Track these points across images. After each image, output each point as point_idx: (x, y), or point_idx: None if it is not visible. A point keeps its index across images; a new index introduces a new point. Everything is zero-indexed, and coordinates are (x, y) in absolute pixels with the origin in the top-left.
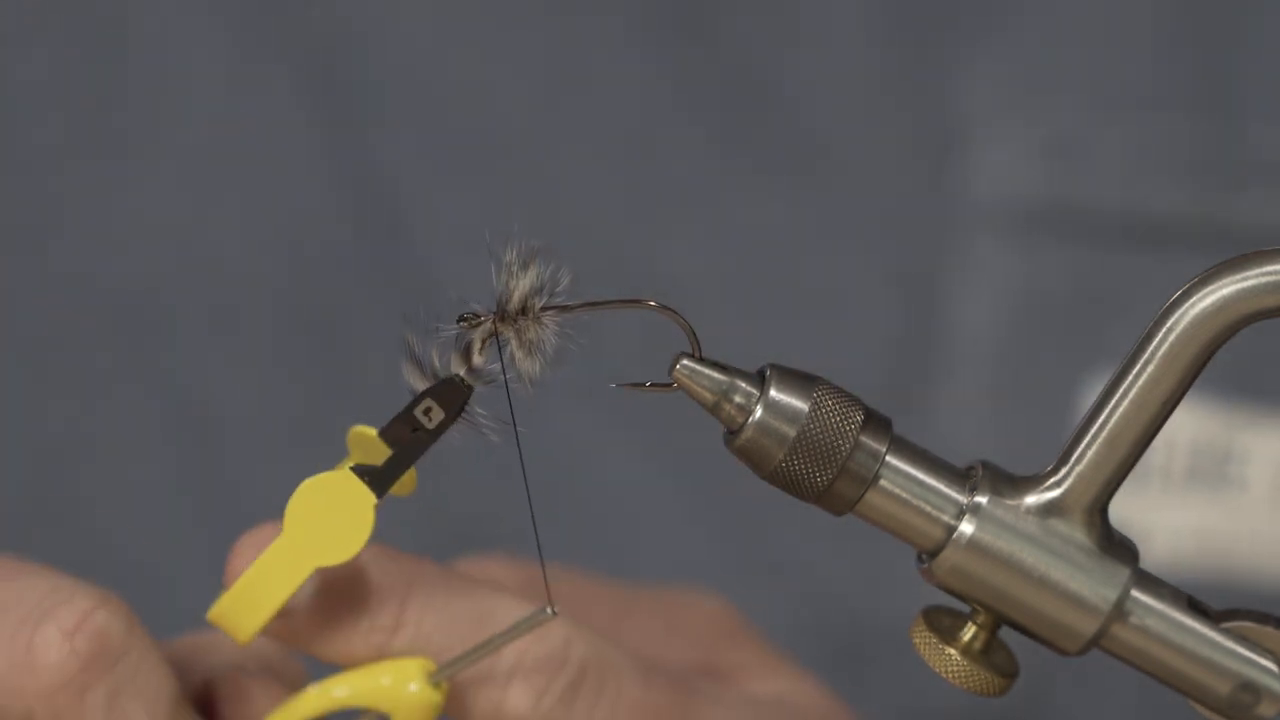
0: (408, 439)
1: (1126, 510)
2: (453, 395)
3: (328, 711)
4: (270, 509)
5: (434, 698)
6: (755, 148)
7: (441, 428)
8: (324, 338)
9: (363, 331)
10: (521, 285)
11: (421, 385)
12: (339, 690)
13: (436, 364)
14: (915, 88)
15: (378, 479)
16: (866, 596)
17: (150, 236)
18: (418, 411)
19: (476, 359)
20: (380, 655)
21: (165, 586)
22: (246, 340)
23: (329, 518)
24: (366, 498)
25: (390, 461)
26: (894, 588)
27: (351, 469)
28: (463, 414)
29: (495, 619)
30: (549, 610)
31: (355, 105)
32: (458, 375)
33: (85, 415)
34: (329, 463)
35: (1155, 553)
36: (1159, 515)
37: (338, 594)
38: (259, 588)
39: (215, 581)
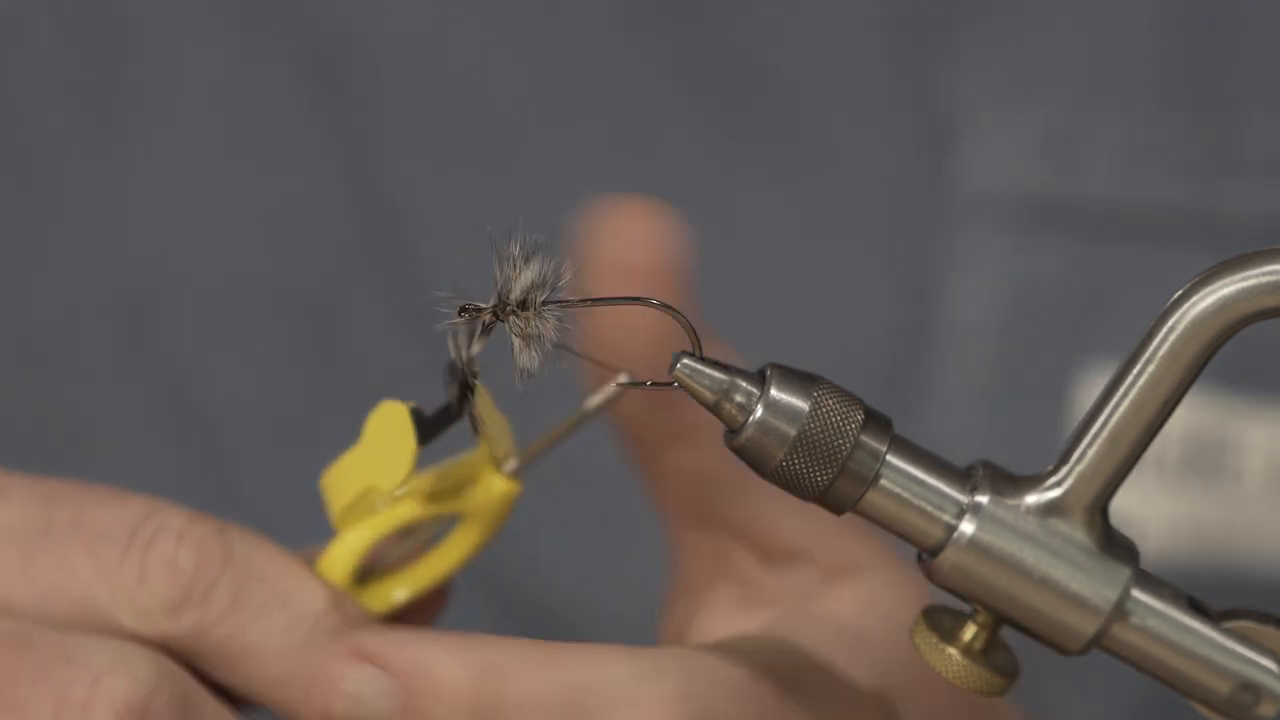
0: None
1: (1121, 501)
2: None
3: (409, 524)
4: (270, 502)
5: (513, 488)
6: (750, 140)
7: (457, 409)
8: (323, 332)
9: (362, 326)
10: (523, 279)
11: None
12: (415, 505)
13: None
14: (911, 80)
15: (425, 426)
16: None
17: (150, 231)
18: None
19: (474, 347)
20: None
21: None
22: (246, 335)
23: (387, 444)
24: (410, 441)
25: (438, 414)
26: None
27: (412, 408)
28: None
29: None
30: (622, 377)
31: (354, 99)
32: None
33: (85, 410)
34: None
35: (1150, 543)
36: (1154, 506)
37: None
38: (336, 483)
39: None
